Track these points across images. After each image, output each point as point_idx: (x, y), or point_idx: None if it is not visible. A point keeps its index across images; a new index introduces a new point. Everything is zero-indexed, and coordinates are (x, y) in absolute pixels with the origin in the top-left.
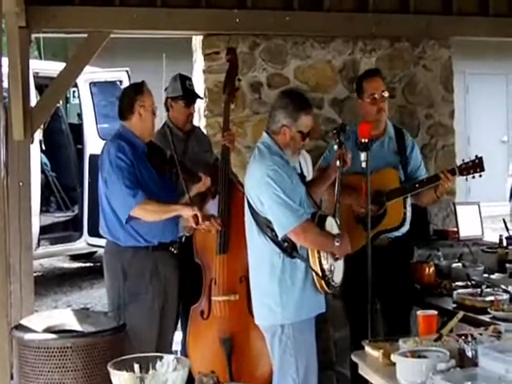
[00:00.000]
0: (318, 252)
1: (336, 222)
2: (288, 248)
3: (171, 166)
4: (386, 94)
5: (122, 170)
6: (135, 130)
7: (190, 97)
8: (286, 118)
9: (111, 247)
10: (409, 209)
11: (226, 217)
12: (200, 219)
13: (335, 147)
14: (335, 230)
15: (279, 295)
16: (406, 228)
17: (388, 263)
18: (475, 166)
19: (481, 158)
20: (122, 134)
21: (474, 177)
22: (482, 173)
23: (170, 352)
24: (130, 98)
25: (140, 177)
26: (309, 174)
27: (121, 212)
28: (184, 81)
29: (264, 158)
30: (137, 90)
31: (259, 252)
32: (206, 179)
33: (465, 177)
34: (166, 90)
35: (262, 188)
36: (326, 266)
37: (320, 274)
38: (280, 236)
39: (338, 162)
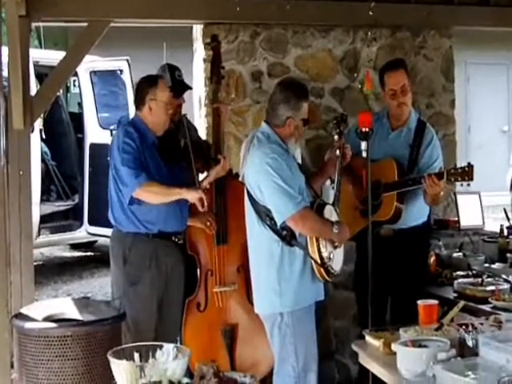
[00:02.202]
0: (317, 240)
1: (336, 210)
2: (287, 236)
3: (184, 155)
4: (408, 87)
5: (128, 153)
6: (147, 122)
7: (179, 88)
8: (289, 111)
9: (115, 233)
10: (408, 205)
11: (222, 206)
12: (205, 202)
13: (335, 138)
14: (334, 218)
15: (278, 283)
16: (407, 222)
17: (395, 254)
18: (464, 173)
19: (472, 166)
20: (133, 122)
21: (462, 184)
22: (470, 182)
23: (176, 341)
24: (142, 89)
25: (145, 165)
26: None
27: (124, 193)
28: (173, 71)
29: (263, 146)
30: (151, 82)
31: (258, 240)
32: (225, 162)
33: (452, 182)
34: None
35: (260, 175)
36: (325, 254)
37: (319, 261)
38: (279, 223)
39: (337, 152)
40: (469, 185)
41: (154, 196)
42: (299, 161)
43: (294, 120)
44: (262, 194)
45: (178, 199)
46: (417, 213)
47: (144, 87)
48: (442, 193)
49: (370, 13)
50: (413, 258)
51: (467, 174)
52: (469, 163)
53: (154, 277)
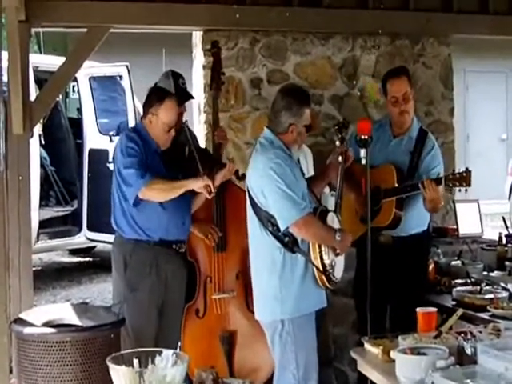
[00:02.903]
0: (320, 247)
1: (337, 217)
2: (289, 243)
3: (190, 163)
4: (410, 95)
5: (132, 156)
6: (149, 132)
7: (181, 96)
8: (291, 117)
9: (117, 238)
10: (408, 211)
11: (222, 214)
12: (212, 188)
13: (337, 143)
14: (336, 226)
15: (279, 290)
16: (407, 230)
17: (395, 262)
18: (462, 178)
19: (469, 171)
20: (136, 128)
21: (459, 190)
22: (467, 187)
23: (176, 347)
24: (150, 99)
25: (149, 170)
26: (308, 170)
27: (129, 194)
28: (177, 79)
29: (267, 152)
30: (159, 97)
31: (260, 247)
32: (231, 165)
33: (450, 189)
34: (156, 85)
35: (264, 180)
36: (327, 262)
37: (321, 268)
38: (282, 229)
39: (339, 158)
40: (466, 190)
41: (161, 193)
42: (310, 166)
43: (297, 126)
44: (266, 200)
45: (180, 209)
46: (417, 220)
47: (151, 98)
48: (442, 201)
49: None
50: (412, 266)
51: (465, 179)
52: (467, 168)
53: (154, 284)
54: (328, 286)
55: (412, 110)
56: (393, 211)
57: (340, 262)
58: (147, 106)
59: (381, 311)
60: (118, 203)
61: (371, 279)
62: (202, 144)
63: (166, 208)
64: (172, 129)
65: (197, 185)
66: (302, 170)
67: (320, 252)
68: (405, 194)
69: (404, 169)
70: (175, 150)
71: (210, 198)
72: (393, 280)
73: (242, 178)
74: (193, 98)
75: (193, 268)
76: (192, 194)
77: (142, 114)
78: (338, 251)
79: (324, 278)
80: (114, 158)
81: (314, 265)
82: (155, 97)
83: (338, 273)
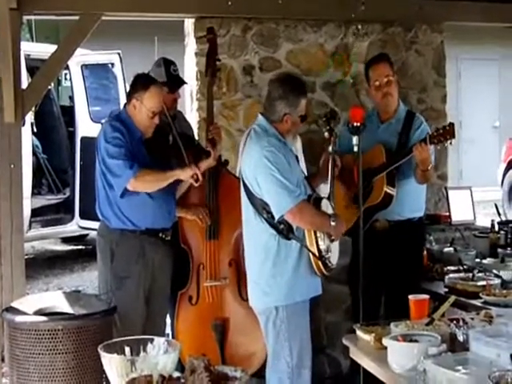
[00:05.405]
0: (315, 233)
1: (331, 204)
2: (284, 230)
3: (175, 150)
4: (392, 78)
5: (117, 147)
6: (133, 119)
7: (174, 83)
8: (287, 107)
9: (102, 228)
10: (400, 188)
11: (214, 202)
12: (199, 176)
13: (326, 135)
14: (330, 212)
15: (273, 277)
16: (403, 213)
17: (391, 248)
18: (446, 132)
19: (453, 124)
20: (120, 116)
21: (445, 146)
22: (452, 140)
23: (163, 336)
24: (134, 86)
25: (134, 159)
26: (300, 157)
27: (117, 185)
28: (168, 66)
29: (261, 140)
30: (144, 83)
31: (255, 234)
32: (215, 152)
33: (437, 145)
34: (148, 73)
35: (258, 169)
36: (322, 247)
37: (317, 254)
38: (277, 217)
39: (330, 148)
40: (451, 143)
41: (150, 184)
42: (300, 153)
43: (292, 116)
44: (260, 188)
45: (166, 197)
46: (412, 204)
47: (136, 84)
48: (431, 164)
49: (362, 8)
50: (408, 253)
51: (449, 132)
52: (450, 122)
53: (141, 272)
54: (324, 272)
55: (396, 93)
56: (384, 187)
57: (335, 248)
58: (132, 91)
59: (376, 298)
60: (103, 193)
61: (367, 266)
62: (195, 132)
63: (153, 197)
64: (156, 115)
65: (185, 174)
66: (297, 158)
67: (316, 238)
68: (394, 164)
69: (393, 148)
70: (159, 138)
71: (196, 185)
72: (388, 267)
73: (225, 163)
74: (185, 83)
75: (186, 255)
76: (177, 181)
77: (126, 99)
78: (332, 237)
79: (320, 264)
80: (97, 148)
81: (310, 251)
82: (140, 83)
83: (334, 259)
